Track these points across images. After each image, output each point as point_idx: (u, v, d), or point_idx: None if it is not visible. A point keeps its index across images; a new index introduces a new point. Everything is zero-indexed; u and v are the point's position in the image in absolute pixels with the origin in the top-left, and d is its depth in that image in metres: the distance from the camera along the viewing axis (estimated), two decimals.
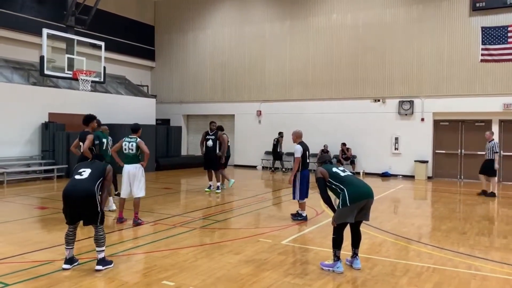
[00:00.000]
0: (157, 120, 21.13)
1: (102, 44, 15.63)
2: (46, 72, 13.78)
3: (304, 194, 8.36)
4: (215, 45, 21.33)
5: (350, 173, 5.73)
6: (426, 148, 16.76)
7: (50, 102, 15.66)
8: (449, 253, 6.32)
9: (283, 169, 18.58)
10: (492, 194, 12.10)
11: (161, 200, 10.77)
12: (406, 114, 16.98)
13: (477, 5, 15.72)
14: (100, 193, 5.39)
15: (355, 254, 5.56)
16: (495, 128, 15.85)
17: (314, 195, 11.43)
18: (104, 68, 15.65)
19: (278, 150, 18.24)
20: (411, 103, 16.87)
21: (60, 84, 16.79)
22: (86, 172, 5.39)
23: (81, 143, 9.12)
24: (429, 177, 16.59)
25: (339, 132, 17.96)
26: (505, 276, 5.42)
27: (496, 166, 12.24)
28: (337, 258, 5.38)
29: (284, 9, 19.55)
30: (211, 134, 12.06)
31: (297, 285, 4.95)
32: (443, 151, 16.74)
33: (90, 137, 8.18)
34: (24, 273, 5.18)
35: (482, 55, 15.33)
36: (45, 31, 13.55)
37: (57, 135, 15.07)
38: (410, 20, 16.98)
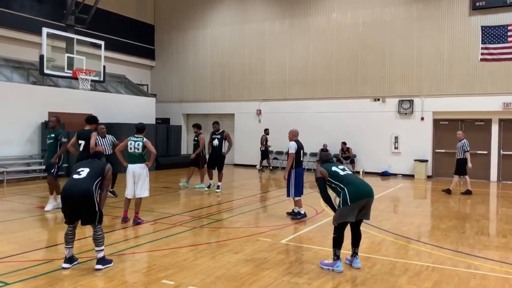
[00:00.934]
0: (157, 119, 21.14)
1: (102, 43, 15.62)
2: (46, 71, 13.77)
3: (299, 192, 8.38)
4: (215, 44, 21.32)
5: (350, 172, 5.73)
6: (426, 147, 16.77)
7: (49, 101, 15.64)
8: (448, 252, 6.33)
9: (270, 168, 18.54)
10: (468, 192, 12.27)
11: (161, 199, 10.77)
12: (406, 113, 16.99)
13: (477, 4, 15.71)
14: (99, 192, 5.40)
15: (355, 253, 5.57)
16: (494, 127, 15.89)
17: (314, 194, 11.46)
18: (104, 67, 15.64)
19: (264, 149, 18.26)
20: (411, 102, 16.88)
21: (60, 83, 16.78)
22: (84, 172, 5.39)
23: (80, 142, 9.22)
24: (428, 176, 16.60)
25: (339, 131, 17.96)
26: (504, 275, 5.42)
27: (469, 165, 12.33)
28: (337, 257, 5.39)
29: (284, 8, 19.55)
30: (217, 133, 12.11)
31: (296, 284, 4.95)
32: (443, 150, 16.74)
33: (94, 134, 8.84)
34: (23, 272, 5.18)
35: (482, 54, 15.34)
36: (45, 30, 13.54)
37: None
38: (410, 19, 16.98)
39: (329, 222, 7.09)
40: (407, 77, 17.04)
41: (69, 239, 5.31)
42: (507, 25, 15.00)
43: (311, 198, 10.83)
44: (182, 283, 4.90)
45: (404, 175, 16.90)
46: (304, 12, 19.05)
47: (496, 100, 15.45)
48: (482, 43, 15.26)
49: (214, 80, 21.37)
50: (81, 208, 5.21)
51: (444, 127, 16.74)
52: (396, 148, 17.17)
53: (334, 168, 5.63)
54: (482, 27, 15.27)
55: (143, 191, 7.85)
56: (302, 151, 8.55)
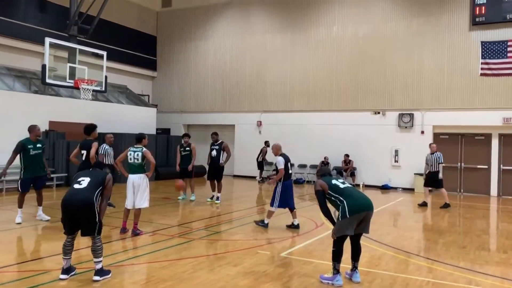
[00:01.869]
0: (157, 129, 21.16)
1: (104, 53, 15.71)
2: (47, 80, 13.81)
3: (282, 204, 8.55)
4: (217, 55, 21.45)
5: (350, 185, 5.73)
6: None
7: (51, 110, 15.68)
8: (449, 267, 6.29)
9: (260, 179, 18.50)
10: (446, 205, 12.27)
11: (160, 210, 10.73)
12: (406, 127, 17.01)
13: (477, 19, 15.83)
14: (99, 202, 5.37)
15: (354, 267, 5.53)
16: (494, 142, 15.89)
17: (313, 207, 11.41)
18: (106, 77, 15.71)
19: (261, 160, 18.28)
20: (411, 115, 16.91)
21: (61, 93, 16.84)
22: (85, 181, 5.37)
23: (82, 152, 9.16)
24: (429, 190, 16.50)
25: (339, 143, 17.97)
26: None
27: (440, 176, 12.41)
28: (336, 271, 5.35)
29: (286, 20, 19.70)
30: (215, 144, 12.14)
31: None
32: (443, 164, 16.66)
33: (95, 144, 8.62)
34: (21, 282, 5.15)
35: (482, 69, 15.45)
36: (48, 40, 13.61)
37: (57, 143, 15.07)
38: (411, 33, 17.10)
39: (329, 235, 7.06)
40: (407, 91, 17.10)
41: (67, 250, 5.27)
42: (507, 41, 15.13)
43: (311, 211, 10.79)
44: None
45: (404, 189, 16.87)
46: (305, 24, 19.19)
47: (496, 114, 15.48)
48: (482, 58, 15.38)
49: (215, 90, 21.44)
50: (81, 218, 5.17)
51: (444, 141, 16.74)
52: (396, 161, 17.16)
53: (334, 181, 5.62)
54: (482, 42, 15.40)
55: (143, 202, 7.81)
56: (289, 163, 8.76)
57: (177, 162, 12.21)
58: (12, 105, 14.50)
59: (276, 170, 8.64)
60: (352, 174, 17.49)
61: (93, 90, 15.02)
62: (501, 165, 15.83)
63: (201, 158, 16.05)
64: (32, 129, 8.85)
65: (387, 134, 17.33)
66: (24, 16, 16.87)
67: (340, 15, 18.49)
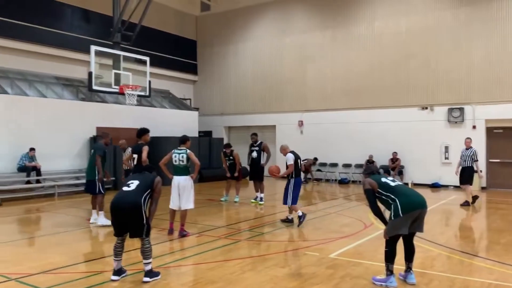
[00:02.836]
0: (199, 132, 21.41)
1: (147, 59, 16.02)
2: (94, 87, 14.22)
3: (295, 200, 8.93)
4: (256, 56, 21.43)
5: (400, 183, 5.48)
6: (479, 157, 15.89)
7: (97, 116, 16.21)
8: (511, 269, 5.88)
9: (304, 180, 18.12)
10: (467, 203, 11.70)
11: (205, 211, 10.78)
12: (456, 122, 16.27)
13: None
14: (148, 205, 5.40)
15: (408, 268, 5.27)
16: None
17: (361, 207, 11.11)
18: (149, 82, 16.03)
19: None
20: (461, 110, 16.15)
21: (107, 99, 17.37)
22: (133, 184, 5.42)
23: (134, 156, 9.28)
24: (483, 188, 15.73)
25: (384, 141, 17.45)
26: None
27: (480, 174, 11.94)
28: (390, 272, 5.12)
29: (326, 18, 19.39)
30: (255, 145, 12.16)
31: None
32: (498, 160, 15.85)
33: (146, 147, 8.62)
34: (75, 283, 5.26)
35: None
36: (93, 48, 14.03)
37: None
38: (458, 23, 16.34)
39: (379, 236, 6.79)
40: (455, 84, 16.36)
41: (118, 252, 5.34)
42: None
43: (358, 211, 10.51)
44: None
45: (455, 187, 16.10)
46: (345, 21, 18.81)
47: None
48: None
49: (255, 92, 21.42)
50: (129, 221, 5.23)
51: (498, 136, 15.87)
52: (446, 158, 16.42)
53: (383, 179, 5.39)
54: None
55: (188, 203, 7.86)
56: (299, 161, 9.15)
57: (226, 170, 12.51)
58: (62, 112, 15.10)
59: (286, 166, 8.92)
60: (400, 173, 16.94)
61: (138, 95, 15.34)
62: None
63: (244, 159, 16.02)
64: (104, 136, 9.84)
65: (435, 130, 16.64)
66: (70, 26, 17.55)
67: (381, 10, 17.98)
